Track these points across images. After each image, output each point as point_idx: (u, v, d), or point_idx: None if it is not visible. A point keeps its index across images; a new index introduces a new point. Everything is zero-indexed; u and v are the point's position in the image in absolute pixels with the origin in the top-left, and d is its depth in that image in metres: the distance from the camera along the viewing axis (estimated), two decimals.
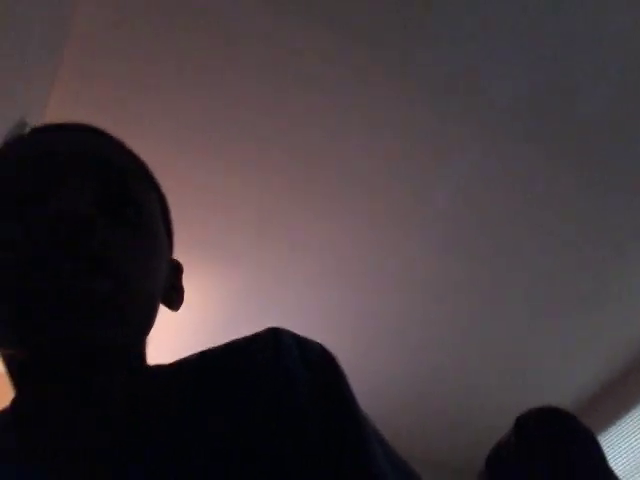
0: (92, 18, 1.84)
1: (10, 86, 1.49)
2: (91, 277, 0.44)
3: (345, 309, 2.80)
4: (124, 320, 0.47)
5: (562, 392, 3.06)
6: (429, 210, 2.41)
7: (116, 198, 0.51)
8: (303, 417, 0.47)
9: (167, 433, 0.46)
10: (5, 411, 0.53)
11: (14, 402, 0.53)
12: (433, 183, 2.33)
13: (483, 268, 2.62)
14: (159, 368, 0.54)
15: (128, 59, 1.94)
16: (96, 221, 0.46)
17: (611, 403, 3.10)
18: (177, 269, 0.64)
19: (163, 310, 0.59)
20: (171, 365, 0.54)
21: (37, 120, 1.82)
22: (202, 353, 0.53)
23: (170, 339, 2.48)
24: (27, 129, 1.58)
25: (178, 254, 0.65)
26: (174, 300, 0.61)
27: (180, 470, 0.43)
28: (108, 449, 0.46)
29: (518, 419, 1.05)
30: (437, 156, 2.24)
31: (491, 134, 2.17)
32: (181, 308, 0.62)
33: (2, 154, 0.55)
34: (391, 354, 2.96)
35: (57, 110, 1.97)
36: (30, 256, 0.45)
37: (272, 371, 0.49)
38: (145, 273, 0.51)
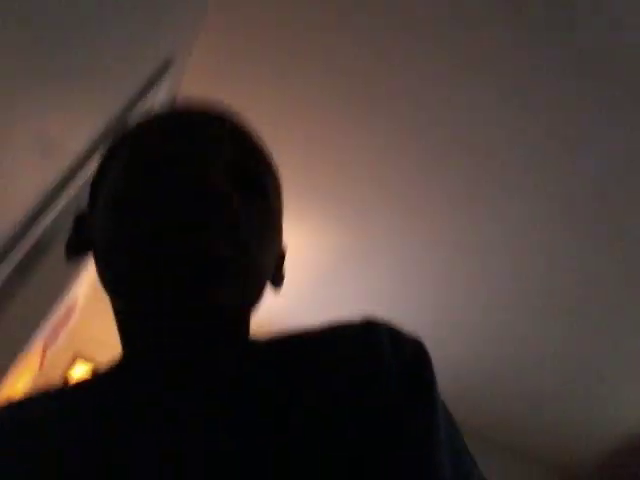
0: None
1: (158, 24, 1.56)
2: (222, 244, 0.47)
3: (455, 273, 2.80)
4: (242, 287, 0.50)
5: None
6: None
7: (248, 182, 0.54)
8: (389, 404, 0.47)
9: (265, 409, 0.47)
10: (111, 370, 0.56)
11: (123, 361, 0.55)
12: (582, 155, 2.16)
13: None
14: (259, 344, 0.55)
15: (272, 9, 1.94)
16: (232, 194, 0.49)
17: None
18: (283, 254, 0.65)
19: None
20: (269, 344, 0.55)
21: (181, 61, 1.93)
22: (299, 339, 0.54)
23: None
24: (172, 68, 1.70)
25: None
26: (277, 281, 0.63)
27: (274, 444, 0.44)
28: (211, 416, 0.47)
29: None
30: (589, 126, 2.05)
31: None
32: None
33: (140, 127, 0.59)
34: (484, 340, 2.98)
35: (202, 47, 2.04)
36: (165, 220, 0.47)
37: (365, 366, 0.49)
38: (266, 248, 0.54)
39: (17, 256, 1.28)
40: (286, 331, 0.56)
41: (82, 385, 0.56)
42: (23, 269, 2.07)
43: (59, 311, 2.40)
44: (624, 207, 2.25)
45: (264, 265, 0.54)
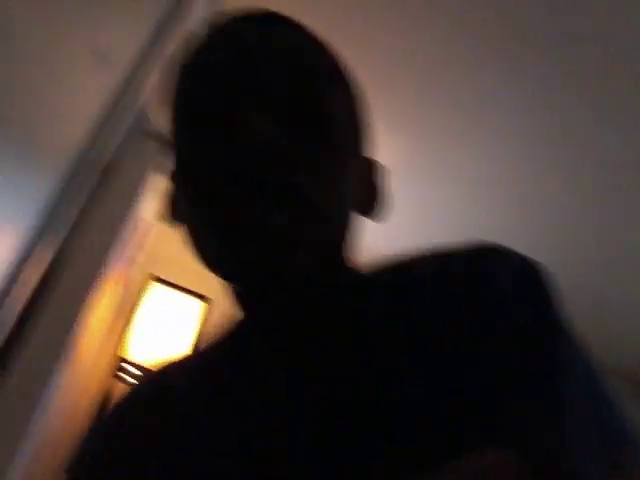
0: None
1: None
2: (278, 210, 0.45)
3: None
4: (312, 249, 0.47)
5: None
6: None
7: (304, 107, 0.49)
8: (511, 331, 0.45)
9: (387, 342, 0.48)
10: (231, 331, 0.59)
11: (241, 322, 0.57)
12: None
13: None
14: (367, 277, 0.55)
15: None
16: (282, 143, 0.46)
17: None
18: (370, 168, 0.60)
19: None
20: (377, 277, 0.54)
21: None
22: (407, 269, 0.54)
23: None
24: None
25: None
26: (369, 205, 0.58)
27: (403, 376, 0.45)
28: (341, 361, 0.49)
29: None
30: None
31: None
32: None
33: (180, 64, 0.53)
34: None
35: None
36: (230, 190, 0.45)
37: (481, 293, 0.48)
38: (333, 194, 0.49)
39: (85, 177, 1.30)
40: (389, 258, 0.55)
41: (212, 348, 0.61)
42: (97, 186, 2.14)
43: (133, 231, 2.47)
44: None
45: (336, 206, 0.50)
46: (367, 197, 0.58)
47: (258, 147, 0.45)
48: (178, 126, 0.51)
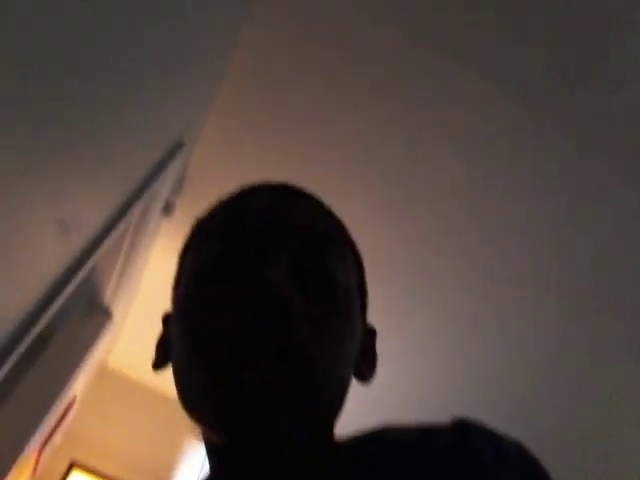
0: (252, 51, 1.93)
1: (170, 107, 1.60)
2: (279, 369, 0.43)
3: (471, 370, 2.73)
4: (316, 410, 0.45)
5: None
6: (569, 269, 2.29)
7: (313, 271, 0.49)
8: None
9: None
10: None
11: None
12: (574, 240, 2.22)
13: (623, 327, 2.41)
14: (344, 446, 0.52)
15: (283, 89, 2.01)
16: (293, 302, 0.45)
17: None
18: (370, 335, 0.59)
19: None
20: (356, 443, 0.52)
21: (192, 140, 1.96)
22: (388, 442, 0.51)
23: None
24: (184, 148, 1.73)
25: None
26: (365, 370, 0.56)
27: None
28: None
29: None
30: (579, 212, 2.13)
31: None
32: None
33: (202, 223, 0.55)
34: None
35: (212, 133, 2.09)
36: (228, 344, 0.44)
37: (469, 473, 0.46)
38: (338, 356, 0.48)
39: (22, 347, 1.19)
40: (370, 429, 0.53)
41: None
42: (26, 362, 1.98)
43: (56, 411, 2.27)
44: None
45: (338, 373, 0.48)
46: (365, 364, 0.56)
47: (270, 302, 0.43)
48: (197, 267, 0.51)
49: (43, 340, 2.06)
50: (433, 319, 2.66)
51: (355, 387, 0.54)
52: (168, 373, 0.53)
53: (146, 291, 2.81)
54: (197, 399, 0.45)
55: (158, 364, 0.55)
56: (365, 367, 0.56)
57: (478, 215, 2.23)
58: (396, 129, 2.05)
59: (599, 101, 1.82)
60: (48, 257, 1.18)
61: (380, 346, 0.58)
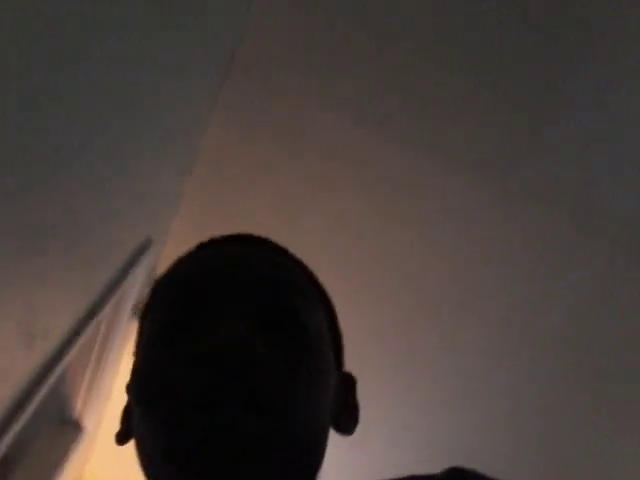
0: (220, 143, 1.98)
1: (137, 207, 1.58)
2: (250, 419, 0.41)
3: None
4: (282, 463, 0.42)
5: None
6: (543, 328, 2.29)
7: (279, 319, 0.47)
8: None
9: None
10: None
11: None
12: (548, 300, 2.23)
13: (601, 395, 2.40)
14: None
15: (254, 179, 2.04)
16: (255, 350, 0.42)
17: None
18: (349, 383, 0.56)
19: None
20: None
21: (161, 236, 1.94)
22: None
23: None
24: (152, 246, 1.70)
25: None
26: (346, 421, 0.53)
27: None
28: None
29: None
30: (551, 271, 2.15)
31: (609, 251, 2.05)
32: None
33: (158, 285, 0.54)
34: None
35: (182, 227, 2.08)
36: (189, 397, 0.42)
37: None
38: (310, 404, 0.45)
39: None
40: None
41: None
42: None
43: None
44: None
45: (310, 421, 0.45)
46: (342, 413, 0.53)
47: (228, 350, 0.42)
48: (154, 331, 0.49)
49: (10, 461, 1.93)
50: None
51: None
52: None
53: (119, 397, 2.66)
54: (158, 465, 0.43)
55: (122, 436, 0.52)
56: (345, 417, 0.53)
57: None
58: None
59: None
60: (11, 367, 1.12)
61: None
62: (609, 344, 2.26)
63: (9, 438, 1.14)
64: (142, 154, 1.43)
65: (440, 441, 2.66)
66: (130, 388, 0.50)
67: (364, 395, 0.56)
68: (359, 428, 0.54)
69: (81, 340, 1.39)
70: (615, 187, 1.94)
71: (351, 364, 0.57)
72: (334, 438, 0.50)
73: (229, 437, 0.39)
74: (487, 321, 2.31)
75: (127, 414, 0.52)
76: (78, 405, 2.08)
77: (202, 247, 0.56)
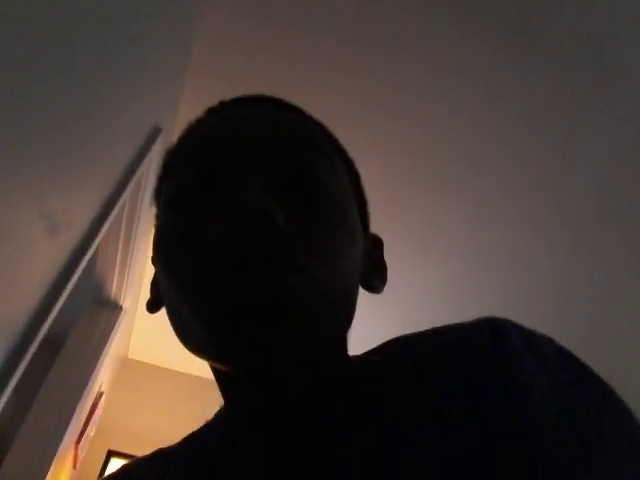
0: (216, 21, 1.88)
1: (143, 95, 1.57)
2: (271, 278, 0.40)
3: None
4: (311, 325, 0.41)
5: None
6: (567, 194, 2.25)
7: (296, 178, 0.45)
8: (546, 418, 0.38)
9: (381, 434, 0.42)
10: (213, 422, 0.51)
11: (224, 412, 0.51)
12: (572, 165, 2.18)
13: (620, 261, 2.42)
14: (363, 361, 0.49)
15: (253, 54, 1.96)
16: (272, 211, 0.41)
17: None
18: (376, 245, 0.56)
19: None
20: (375, 355, 0.49)
21: (170, 124, 1.93)
22: (413, 341, 0.48)
23: None
24: (161, 134, 1.71)
25: None
26: (375, 281, 0.53)
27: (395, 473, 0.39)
28: (325, 459, 0.42)
29: None
30: (574, 136, 2.08)
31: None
32: None
33: (171, 152, 0.51)
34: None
35: (189, 112, 2.02)
36: (210, 257, 0.41)
37: (496, 372, 0.41)
38: (335, 261, 0.44)
39: (34, 345, 1.18)
40: (383, 343, 0.50)
41: (192, 438, 0.52)
42: (44, 365, 1.99)
43: (85, 404, 2.29)
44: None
45: (336, 279, 0.44)
46: (371, 273, 0.53)
47: (250, 217, 0.40)
48: (169, 196, 0.47)
49: (56, 344, 2.06)
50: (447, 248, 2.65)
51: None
52: (187, 354, 0.49)
53: (152, 274, 2.76)
54: (192, 329, 0.42)
55: (152, 305, 0.52)
56: (374, 277, 0.53)
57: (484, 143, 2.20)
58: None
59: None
60: (41, 258, 1.16)
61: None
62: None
63: (49, 321, 1.21)
64: (146, 39, 1.37)
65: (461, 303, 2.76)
66: (154, 257, 0.49)
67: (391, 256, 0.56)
68: (387, 286, 0.55)
69: (105, 227, 1.43)
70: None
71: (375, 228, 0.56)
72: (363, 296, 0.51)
73: (263, 297, 0.39)
74: (509, 189, 2.28)
75: (155, 285, 0.52)
76: (114, 286, 2.18)
77: (211, 111, 0.53)
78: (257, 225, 0.39)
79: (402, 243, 2.52)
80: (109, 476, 0.53)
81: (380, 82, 2.04)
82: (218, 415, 0.52)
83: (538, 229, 2.41)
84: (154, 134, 1.68)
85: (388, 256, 0.57)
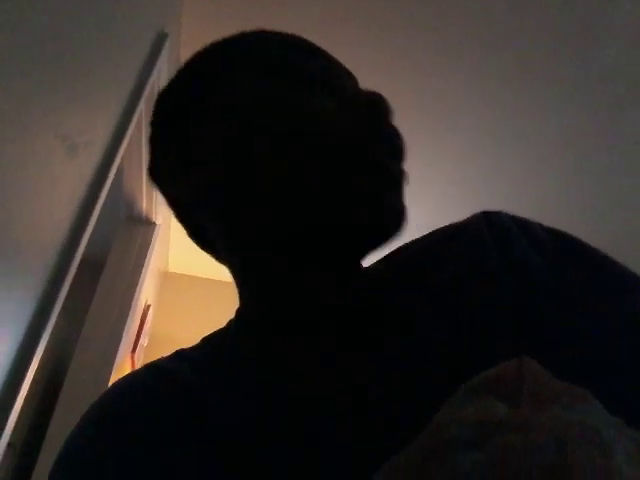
0: None
1: (146, 1, 1.50)
2: (394, 163, 0.45)
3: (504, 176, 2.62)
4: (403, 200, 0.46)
5: None
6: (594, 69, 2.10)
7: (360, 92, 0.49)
8: (549, 290, 0.39)
9: (396, 323, 0.42)
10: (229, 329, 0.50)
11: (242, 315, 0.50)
12: (598, 40, 2.02)
13: None
14: (370, 270, 0.49)
15: None
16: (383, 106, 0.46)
17: None
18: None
19: None
20: (389, 261, 0.49)
21: (175, 29, 1.84)
22: (412, 242, 0.49)
23: None
24: (167, 39, 1.62)
25: None
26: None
27: (410, 372, 0.38)
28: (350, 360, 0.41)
29: None
30: (600, 10, 1.91)
31: None
32: None
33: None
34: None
35: (192, 15, 1.93)
36: (344, 136, 0.43)
37: (492, 249, 0.42)
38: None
39: (71, 270, 1.18)
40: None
41: (217, 339, 0.50)
42: (88, 285, 2.04)
43: (135, 317, 2.37)
44: None
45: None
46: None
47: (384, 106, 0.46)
48: (261, 64, 0.48)
49: (98, 264, 2.09)
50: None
51: None
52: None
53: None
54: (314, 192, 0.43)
55: (196, 233, 0.52)
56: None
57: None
58: None
59: None
60: (64, 180, 1.13)
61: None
62: None
63: (84, 241, 1.20)
64: None
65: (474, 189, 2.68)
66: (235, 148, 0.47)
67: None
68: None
69: (125, 140, 1.38)
70: None
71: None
72: None
73: (381, 174, 0.43)
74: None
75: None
76: (144, 203, 2.17)
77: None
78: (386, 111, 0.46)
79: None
80: (138, 376, 0.48)
81: None
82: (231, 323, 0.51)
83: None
84: (161, 39, 1.59)
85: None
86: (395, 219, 0.43)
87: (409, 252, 0.48)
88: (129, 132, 1.39)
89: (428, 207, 2.60)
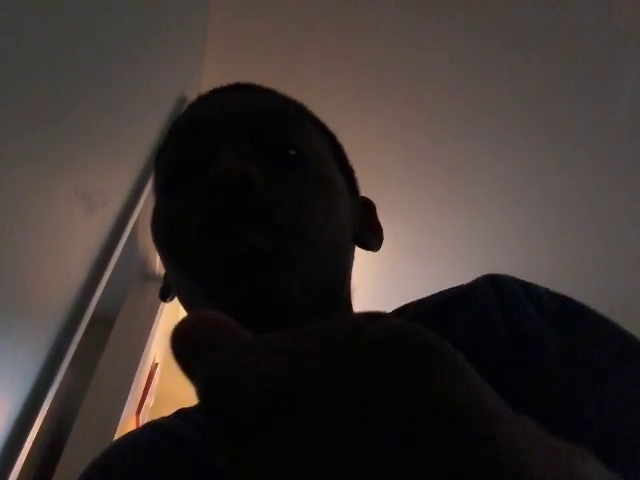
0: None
1: (167, 66, 1.54)
2: (257, 234, 0.41)
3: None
4: (301, 271, 0.42)
5: None
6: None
7: (271, 144, 0.47)
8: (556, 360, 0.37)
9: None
10: None
11: None
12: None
13: None
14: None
15: (270, 20, 1.92)
16: (252, 173, 0.42)
17: None
18: (368, 206, 0.58)
19: None
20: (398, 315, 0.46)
21: (195, 92, 1.90)
22: (417, 303, 0.46)
23: None
24: (187, 103, 1.68)
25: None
26: (370, 240, 0.55)
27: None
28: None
29: None
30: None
31: None
32: None
33: (168, 134, 0.55)
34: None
35: (212, 79, 1.99)
36: (197, 224, 0.43)
37: (500, 319, 0.40)
38: (317, 217, 0.45)
39: (82, 326, 1.18)
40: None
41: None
42: (97, 342, 2.03)
43: (142, 376, 2.34)
44: None
45: (322, 235, 0.45)
46: (366, 232, 0.56)
47: (234, 176, 0.42)
48: (158, 182, 0.51)
49: (108, 321, 2.09)
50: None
51: None
52: None
53: None
54: (197, 299, 0.44)
55: (164, 292, 0.54)
56: (368, 236, 0.55)
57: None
58: None
59: None
60: (81, 237, 1.15)
61: None
62: None
63: (96, 296, 1.21)
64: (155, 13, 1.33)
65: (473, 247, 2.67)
66: (153, 240, 0.51)
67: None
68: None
69: (142, 200, 1.41)
70: None
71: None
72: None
73: (251, 256, 0.40)
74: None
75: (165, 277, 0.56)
76: (157, 260, 2.18)
77: (200, 98, 0.57)
78: (237, 186, 0.41)
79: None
80: (136, 434, 0.51)
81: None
82: None
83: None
84: (181, 104, 1.64)
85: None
86: (262, 302, 0.41)
87: (419, 309, 0.46)
88: (145, 193, 1.42)
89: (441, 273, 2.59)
